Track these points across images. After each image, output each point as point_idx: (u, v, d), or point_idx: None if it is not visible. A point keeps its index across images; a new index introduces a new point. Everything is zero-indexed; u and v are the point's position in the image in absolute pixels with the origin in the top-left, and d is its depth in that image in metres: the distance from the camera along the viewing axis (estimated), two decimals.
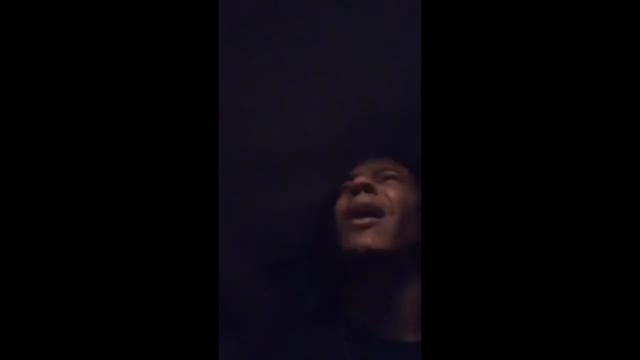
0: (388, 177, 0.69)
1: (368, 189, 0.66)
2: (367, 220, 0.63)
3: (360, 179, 0.66)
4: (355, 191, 0.66)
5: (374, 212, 0.64)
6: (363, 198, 0.65)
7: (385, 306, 0.64)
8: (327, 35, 0.67)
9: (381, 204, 0.65)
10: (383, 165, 0.70)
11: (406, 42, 0.61)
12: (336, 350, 0.63)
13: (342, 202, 0.67)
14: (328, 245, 0.68)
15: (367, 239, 0.62)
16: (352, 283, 0.67)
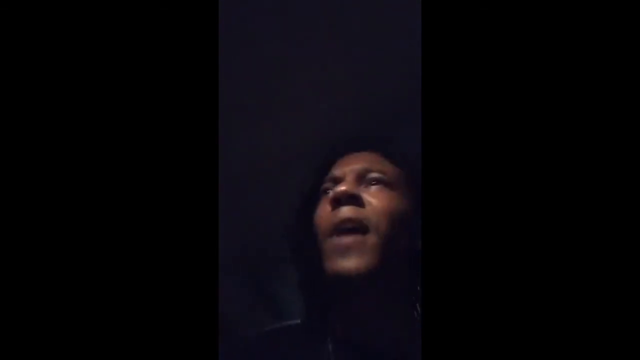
0: (373, 181, 0.63)
1: (352, 199, 0.60)
2: (350, 239, 0.57)
3: (343, 188, 0.60)
4: (337, 201, 0.60)
5: (358, 228, 0.58)
6: (346, 212, 0.59)
7: (375, 320, 0.60)
8: (325, 34, 0.66)
9: (365, 219, 0.58)
10: (367, 166, 0.64)
11: (406, 40, 0.61)
12: (321, 356, 0.60)
13: (324, 214, 0.61)
14: (309, 256, 0.62)
15: (351, 264, 0.56)
16: (336, 302, 0.62)
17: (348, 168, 0.64)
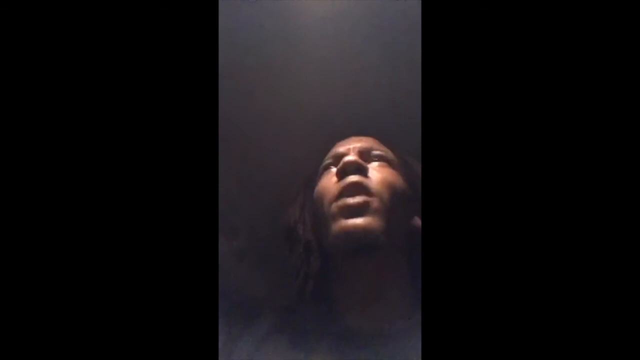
0: (375, 158, 0.64)
1: (359, 168, 0.60)
2: (359, 199, 0.58)
3: (351, 158, 0.61)
4: (344, 171, 0.60)
5: (363, 191, 0.58)
6: (353, 178, 0.59)
7: (370, 297, 0.60)
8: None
9: (370, 186, 0.59)
10: (368, 145, 0.66)
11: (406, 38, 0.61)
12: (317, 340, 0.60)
13: (329, 184, 0.62)
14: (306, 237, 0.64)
15: (360, 221, 0.57)
16: (336, 273, 0.63)
17: (351, 146, 0.65)
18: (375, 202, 0.58)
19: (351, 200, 0.58)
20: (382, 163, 0.64)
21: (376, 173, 0.62)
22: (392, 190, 0.61)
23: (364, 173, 0.60)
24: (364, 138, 0.68)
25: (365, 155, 0.64)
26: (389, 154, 0.66)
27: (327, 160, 0.66)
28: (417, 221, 0.64)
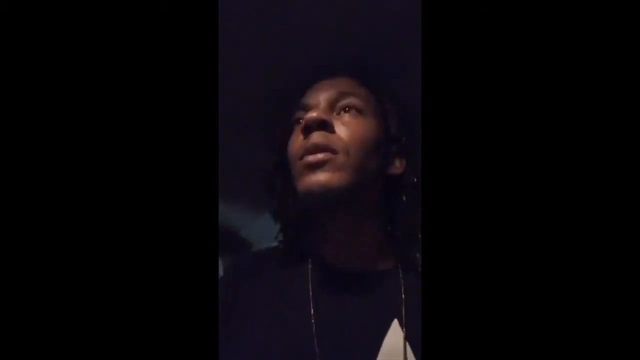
0: (345, 108, 0.62)
1: (322, 125, 0.59)
2: (320, 156, 0.58)
3: (313, 115, 0.59)
4: (308, 128, 0.60)
5: (327, 150, 0.58)
6: (316, 138, 0.59)
7: (347, 243, 0.63)
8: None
9: (334, 143, 0.59)
10: (339, 91, 0.63)
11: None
12: (298, 278, 0.63)
13: (296, 142, 0.61)
14: (282, 185, 0.66)
15: (321, 177, 0.58)
16: (310, 226, 0.65)
17: (321, 96, 0.63)
18: (339, 158, 0.58)
19: (311, 158, 0.58)
20: (351, 113, 0.62)
21: (344, 128, 0.60)
22: (363, 143, 0.60)
23: (328, 129, 0.60)
24: (336, 82, 0.64)
25: (334, 104, 0.62)
26: (362, 98, 0.63)
27: (298, 113, 0.64)
28: (396, 166, 0.64)
